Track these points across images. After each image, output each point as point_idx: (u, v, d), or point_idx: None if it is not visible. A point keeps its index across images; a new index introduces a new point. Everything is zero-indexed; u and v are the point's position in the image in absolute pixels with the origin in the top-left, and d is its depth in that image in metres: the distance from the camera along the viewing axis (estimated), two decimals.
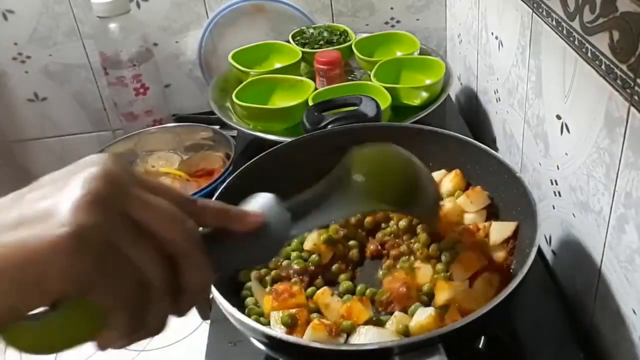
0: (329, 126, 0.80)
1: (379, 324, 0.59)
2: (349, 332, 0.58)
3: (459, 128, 1.03)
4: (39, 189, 0.34)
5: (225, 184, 0.69)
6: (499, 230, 0.66)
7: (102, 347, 0.35)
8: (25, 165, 1.40)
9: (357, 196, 0.51)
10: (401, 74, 1.06)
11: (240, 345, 0.67)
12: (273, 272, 0.66)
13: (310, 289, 0.64)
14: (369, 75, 1.03)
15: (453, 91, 1.24)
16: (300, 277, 0.65)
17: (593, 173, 0.62)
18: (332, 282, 0.66)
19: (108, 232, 0.33)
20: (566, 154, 0.68)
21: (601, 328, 0.66)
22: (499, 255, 0.65)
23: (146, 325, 0.36)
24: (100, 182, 0.33)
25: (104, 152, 1.16)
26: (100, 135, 1.37)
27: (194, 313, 0.72)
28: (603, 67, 0.57)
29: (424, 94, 0.98)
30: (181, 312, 0.39)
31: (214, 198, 0.67)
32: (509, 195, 0.68)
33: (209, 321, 0.71)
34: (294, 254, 0.68)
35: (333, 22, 1.26)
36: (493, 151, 0.70)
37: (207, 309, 0.71)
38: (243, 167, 0.72)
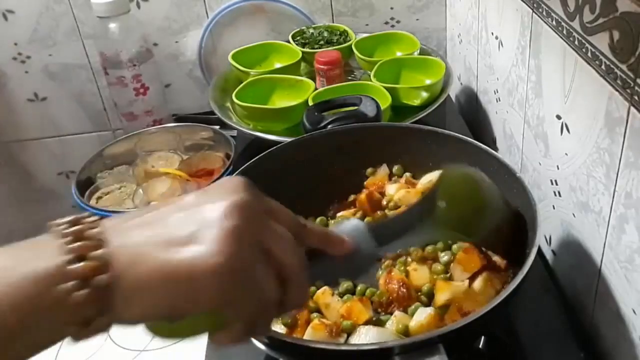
0: (329, 126, 0.80)
1: (379, 323, 0.59)
2: (349, 332, 0.58)
3: (459, 128, 1.03)
4: (184, 211, 0.38)
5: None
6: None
7: (217, 343, 0.41)
8: (25, 165, 1.40)
9: (438, 225, 0.53)
10: (401, 74, 1.06)
11: (240, 345, 0.66)
12: None
13: (310, 289, 0.64)
14: (369, 75, 1.03)
15: (453, 91, 1.24)
16: None
17: (593, 173, 0.62)
18: (332, 282, 0.66)
19: (246, 261, 0.37)
20: (566, 154, 0.68)
21: (601, 328, 0.66)
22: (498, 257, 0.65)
23: (255, 331, 0.42)
24: (240, 215, 0.38)
25: (104, 152, 1.16)
26: (100, 135, 1.37)
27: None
28: (603, 67, 0.57)
29: (424, 94, 0.98)
30: (278, 317, 0.47)
31: None
32: (509, 195, 0.68)
33: None
34: None
35: (333, 22, 1.26)
36: (493, 151, 0.70)
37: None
38: (243, 167, 0.72)
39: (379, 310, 0.62)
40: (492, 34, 0.95)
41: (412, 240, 0.54)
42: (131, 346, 0.81)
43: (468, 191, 0.56)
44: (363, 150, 0.78)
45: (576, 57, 0.62)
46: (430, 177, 0.75)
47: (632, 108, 0.53)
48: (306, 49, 1.12)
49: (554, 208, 0.75)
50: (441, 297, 0.60)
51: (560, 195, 0.72)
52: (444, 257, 0.65)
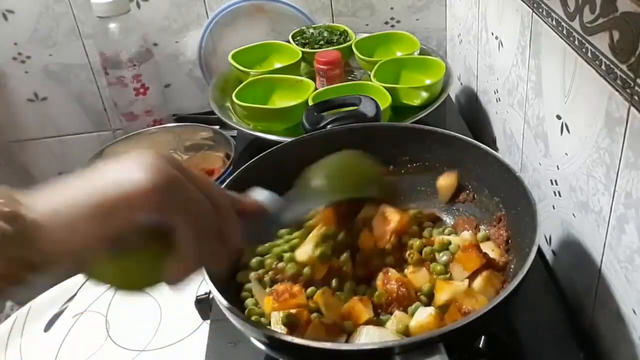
0: (329, 126, 0.80)
1: (380, 323, 0.59)
2: (350, 332, 0.58)
3: (459, 128, 1.03)
4: (103, 172, 0.43)
5: (225, 184, 0.69)
6: None
7: (172, 278, 0.45)
8: (25, 165, 1.40)
9: (319, 196, 0.62)
10: (401, 74, 1.06)
11: (240, 345, 0.67)
12: (270, 273, 0.66)
13: (310, 289, 0.64)
14: (369, 75, 1.03)
15: (453, 91, 1.24)
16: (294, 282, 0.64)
17: (593, 173, 0.62)
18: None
19: (173, 173, 0.43)
20: (566, 154, 0.68)
21: (601, 328, 0.66)
22: (498, 253, 0.65)
23: (205, 251, 0.45)
24: (158, 155, 0.43)
25: (104, 152, 1.16)
26: (100, 135, 1.37)
27: (194, 313, 0.72)
28: (603, 67, 0.57)
29: (424, 94, 0.98)
30: (225, 257, 0.48)
31: None
32: (509, 195, 0.68)
33: (209, 321, 0.71)
34: (286, 256, 0.67)
35: (333, 22, 1.26)
36: (493, 151, 0.70)
37: (207, 310, 0.71)
38: (243, 167, 0.72)
39: (379, 310, 0.62)
40: (492, 34, 0.95)
41: (304, 207, 0.62)
42: (131, 346, 0.81)
43: (331, 165, 0.65)
44: (363, 150, 0.78)
45: (576, 57, 0.62)
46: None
47: (632, 108, 0.53)
48: (306, 49, 1.12)
49: (554, 208, 0.75)
50: (441, 297, 0.60)
51: (560, 195, 0.72)
52: (443, 257, 0.65)
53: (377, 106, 0.83)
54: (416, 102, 0.98)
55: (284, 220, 0.57)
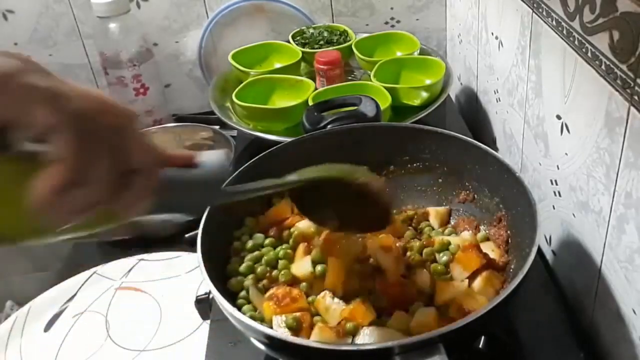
0: (329, 126, 0.80)
1: (381, 324, 0.59)
2: (354, 333, 0.58)
3: (459, 128, 1.03)
4: None
5: (224, 184, 0.69)
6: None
7: (37, 197, 0.32)
8: None
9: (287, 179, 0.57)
10: (401, 74, 1.06)
11: (240, 345, 0.67)
12: (265, 281, 0.65)
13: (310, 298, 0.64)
14: (369, 75, 1.03)
15: (453, 91, 1.24)
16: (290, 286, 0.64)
17: (593, 173, 0.62)
18: None
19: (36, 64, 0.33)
20: (566, 154, 0.68)
21: (601, 328, 0.66)
22: (498, 253, 0.65)
23: (88, 182, 0.33)
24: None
25: None
26: None
27: (194, 313, 0.72)
28: (603, 67, 0.57)
29: (424, 94, 0.98)
30: (123, 203, 0.37)
31: None
32: (509, 195, 0.68)
33: (209, 321, 0.71)
34: (281, 262, 0.66)
35: (333, 22, 1.26)
36: (493, 151, 0.70)
37: (207, 310, 0.71)
38: (243, 167, 0.72)
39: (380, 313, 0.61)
40: (492, 34, 0.95)
41: (260, 186, 0.56)
42: (131, 346, 0.81)
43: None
44: (363, 150, 0.78)
45: (576, 57, 0.62)
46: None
47: (632, 108, 0.53)
48: (306, 49, 1.12)
49: (554, 208, 0.75)
50: (441, 297, 0.60)
51: (560, 195, 0.72)
52: (443, 257, 0.65)
53: (377, 106, 0.83)
54: (416, 102, 0.98)
55: (230, 190, 0.50)
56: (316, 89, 1.02)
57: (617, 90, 0.55)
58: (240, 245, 0.69)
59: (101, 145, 0.34)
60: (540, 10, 0.72)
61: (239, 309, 0.63)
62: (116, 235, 0.93)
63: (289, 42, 1.15)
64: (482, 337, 0.62)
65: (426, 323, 0.57)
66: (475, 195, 0.74)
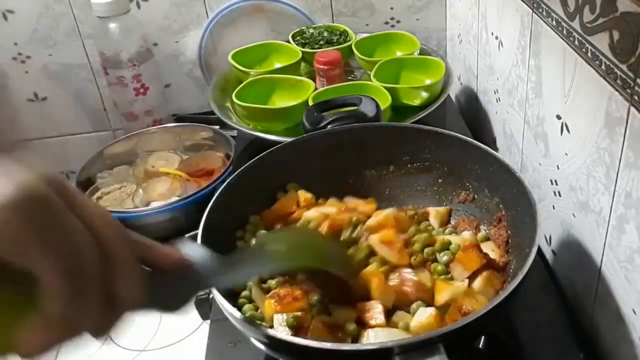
0: (329, 126, 0.80)
1: (381, 324, 0.59)
2: (354, 333, 0.58)
3: (459, 128, 1.03)
4: None
5: (225, 184, 0.69)
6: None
7: (27, 346, 0.34)
8: None
9: (271, 258, 0.53)
10: (401, 74, 1.06)
11: (240, 345, 0.67)
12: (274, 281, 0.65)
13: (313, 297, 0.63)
14: (369, 75, 1.03)
15: (453, 91, 1.24)
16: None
17: (593, 173, 0.62)
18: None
19: (50, 198, 0.33)
20: (566, 154, 0.68)
21: (601, 328, 0.66)
22: (498, 253, 0.65)
23: (77, 321, 0.35)
24: (35, 177, 0.34)
25: (104, 152, 1.16)
26: (100, 135, 1.37)
27: (195, 313, 0.72)
28: (603, 67, 0.57)
29: (424, 94, 0.98)
30: (112, 320, 0.38)
31: (214, 198, 0.67)
32: (509, 195, 0.68)
33: (209, 321, 0.71)
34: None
35: (333, 22, 1.26)
36: (493, 151, 0.70)
37: (207, 310, 0.71)
38: (243, 167, 0.72)
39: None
40: (492, 34, 0.95)
41: (247, 273, 0.54)
42: (131, 346, 0.81)
43: (291, 235, 0.60)
44: (363, 150, 0.78)
45: (576, 57, 0.62)
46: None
47: (632, 108, 0.53)
48: (306, 49, 1.12)
49: (554, 208, 0.75)
50: (441, 297, 0.60)
51: (560, 195, 0.72)
52: (444, 257, 0.65)
53: (378, 106, 0.83)
54: (416, 102, 0.98)
55: (218, 282, 0.49)
56: (316, 89, 1.02)
57: (617, 90, 0.55)
58: (243, 245, 0.69)
59: (96, 288, 0.35)
60: (540, 10, 0.72)
61: (240, 308, 0.63)
62: None
63: (289, 42, 1.15)
64: (482, 337, 0.62)
65: (426, 323, 0.57)
66: (475, 195, 0.74)
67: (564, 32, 0.65)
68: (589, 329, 0.68)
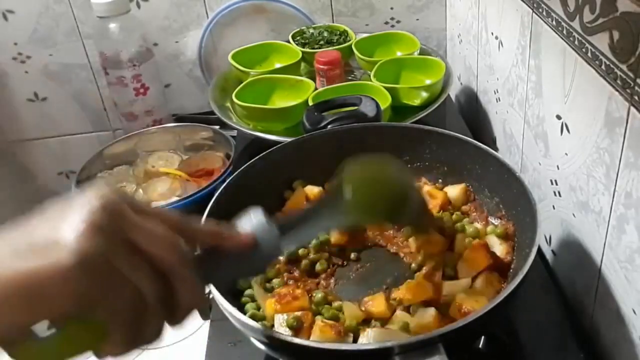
0: (329, 126, 0.80)
1: (381, 324, 0.59)
2: (355, 332, 0.58)
3: (459, 128, 1.03)
4: (45, 221, 0.38)
5: (225, 184, 0.69)
6: None
7: (106, 356, 0.40)
8: (25, 165, 1.40)
9: (346, 211, 0.52)
10: (401, 74, 1.06)
11: (240, 345, 0.67)
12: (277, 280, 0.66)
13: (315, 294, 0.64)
14: (369, 75, 1.03)
15: (453, 91, 1.24)
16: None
17: (593, 173, 0.62)
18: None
19: (109, 256, 0.37)
20: (566, 154, 0.68)
21: (601, 328, 0.66)
22: (502, 252, 0.65)
23: (142, 337, 0.40)
24: (101, 212, 0.38)
25: (104, 152, 1.16)
26: (100, 135, 1.37)
27: (195, 312, 0.72)
28: (603, 67, 0.57)
29: (424, 94, 0.98)
30: (177, 323, 0.43)
31: (214, 198, 0.67)
32: (509, 195, 0.68)
33: (209, 321, 0.71)
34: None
35: (333, 22, 1.26)
36: (493, 151, 0.70)
37: (207, 311, 0.71)
38: (243, 167, 0.72)
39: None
40: (492, 34, 0.95)
41: (317, 226, 0.53)
42: None
43: (372, 180, 0.55)
44: (363, 150, 0.77)
45: (576, 57, 0.62)
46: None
47: (632, 108, 0.53)
48: (306, 49, 1.12)
49: (554, 208, 0.75)
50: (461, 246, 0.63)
51: (560, 195, 0.72)
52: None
53: (378, 106, 0.83)
54: (416, 102, 0.98)
55: (277, 252, 0.49)
56: (316, 89, 1.02)
57: (617, 90, 0.55)
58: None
59: (153, 312, 0.40)
60: (540, 10, 0.72)
61: (242, 307, 0.64)
62: None
63: (289, 42, 1.15)
64: (482, 337, 0.62)
65: (426, 323, 0.57)
66: (475, 196, 0.74)
67: (564, 32, 0.65)
68: (589, 329, 0.68)
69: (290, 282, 0.66)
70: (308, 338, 0.57)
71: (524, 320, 0.68)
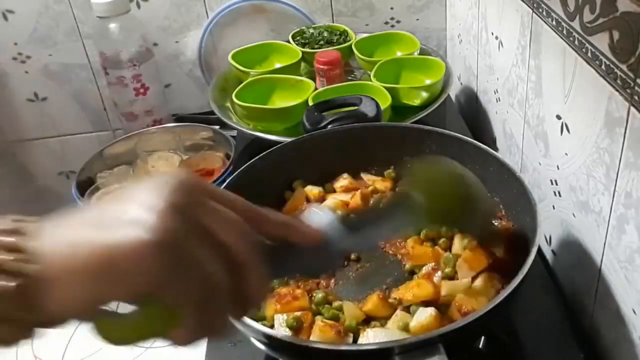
0: (329, 126, 0.80)
1: (382, 324, 0.59)
2: (355, 332, 0.58)
3: (459, 128, 1.03)
4: (122, 200, 0.38)
5: (225, 184, 0.69)
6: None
7: (176, 343, 0.40)
8: (25, 165, 1.40)
9: (418, 213, 0.52)
10: (401, 74, 1.06)
11: (240, 345, 0.67)
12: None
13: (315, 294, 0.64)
14: (369, 75, 1.03)
15: (453, 91, 1.24)
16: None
17: (593, 173, 0.62)
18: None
19: (184, 238, 0.37)
20: (566, 154, 0.68)
21: (601, 328, 0.66)
22: (502, 252, 0.65)
23: (211, 327, 0.40)
24: (179, 193, 0.38)
25: (104, 152, 1.16)
26: (100, 135, 1.37)
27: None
28: (603, 67, 0.57)
29: (424, 94, 0.98)
30: (241, 316, 0.43)
31: None
32: (509, 195, 0.68)
33: None
34: None
35: (333, 22, 1.26)
36: (493, 151, 0.70)
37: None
38: (243, 167, 0.72)
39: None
40: (492, 34, 0.95)
41: (385, 231, 0.53)
42: (131, 346, 0.81)
43: (443, 181, 0.55)
44: (363, 150, 0.78)
45: (576, 57, 0.62)
46: None
47: (632, 108, 0.53)
48: (306, 49, 1.12)
49: (554, 208, 0.75)
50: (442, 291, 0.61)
51: (560, 195, 0.72)
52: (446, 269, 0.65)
53: (378, 106, 0.83)
54: (416, 102, 0.98)
55: (342, 252, 0.49)
56: (316, 89, 1.02)
57: (617, 90, 0.55)
58: None
59: (223, 301, 0.39)
60: (540, 10, 0.72)
61: None
62: None
63: (289, 42, 1.15)
64: (482, 337, 0.62)
65: (426, 323, 0.57)
66: None
67: (564, 32, 0.65)
68: (589, 329, 0.68)
69: (291, 282, 0.66)
70: (308, 338, 0.57)
71: (524, 320, 0.68)
